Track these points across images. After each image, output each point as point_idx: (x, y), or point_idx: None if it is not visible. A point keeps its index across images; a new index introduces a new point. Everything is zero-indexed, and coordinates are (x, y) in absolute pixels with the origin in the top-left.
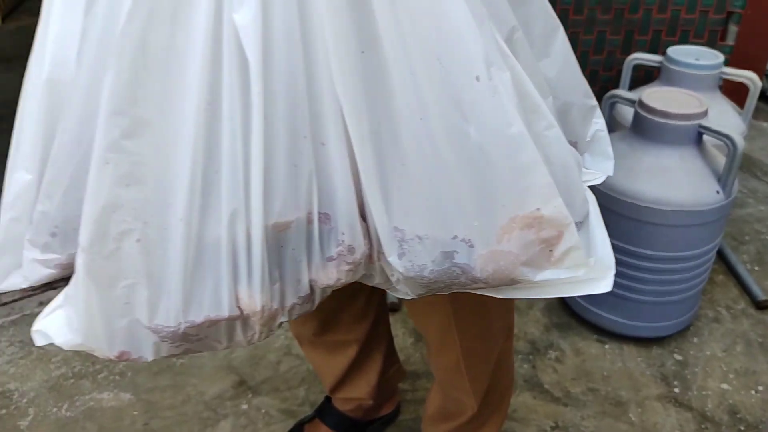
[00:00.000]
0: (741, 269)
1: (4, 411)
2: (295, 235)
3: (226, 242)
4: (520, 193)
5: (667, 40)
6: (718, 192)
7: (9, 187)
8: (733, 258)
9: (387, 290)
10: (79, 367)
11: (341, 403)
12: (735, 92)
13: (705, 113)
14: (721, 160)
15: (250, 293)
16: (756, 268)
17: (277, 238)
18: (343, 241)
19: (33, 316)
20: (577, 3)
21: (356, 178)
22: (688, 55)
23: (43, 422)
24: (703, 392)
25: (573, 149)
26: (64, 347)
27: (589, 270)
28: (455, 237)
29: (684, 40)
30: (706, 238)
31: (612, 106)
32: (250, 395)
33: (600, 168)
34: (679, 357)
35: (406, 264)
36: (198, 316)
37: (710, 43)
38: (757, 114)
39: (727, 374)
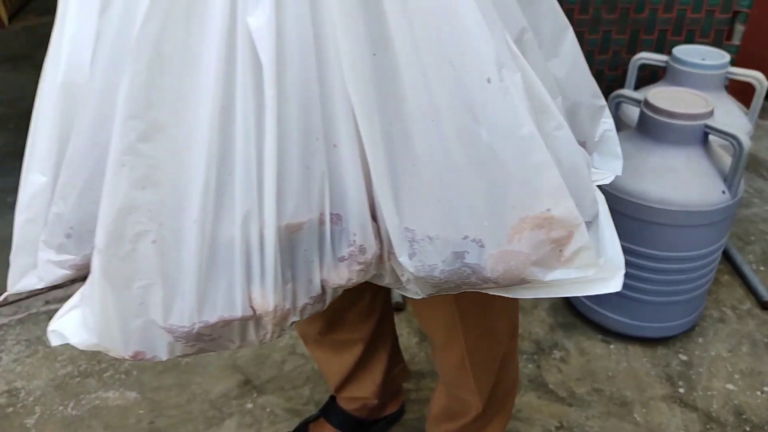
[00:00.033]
0: (746, 269)
1: (10, 409)
2: (308, 235)
3: (240, 243)
4: (530, 194)
5: (673, 39)
6: (723, 192)
7: (24, 189)
8: (739, 258)
9: (396, 290)
10: (85, 365)
11: (346, 403)
12: (741, 92)
13: (711, 113)
14: (727, 160)
15: (263, 293)
16: (762, 268)
17: (289, 239)
18: (354, 241)
19: (39, 315)
20: (583, 2)
21: (367, 179)
22: (694, 54)
23: (50, 420)
24: (709, 393)
25: (582, 149)
26: (80, 347)
27: (599, 270)
28: (466, 237)
29: (690, 40)
30: (712, 238)
31: (617, 105)
32: (255, 394)
33: (609, 168)
34: (684, 357)
35: (416, 264)
36: (212, 317)
37: (716, 43)
38: (764, 114)
39: (732, 375)
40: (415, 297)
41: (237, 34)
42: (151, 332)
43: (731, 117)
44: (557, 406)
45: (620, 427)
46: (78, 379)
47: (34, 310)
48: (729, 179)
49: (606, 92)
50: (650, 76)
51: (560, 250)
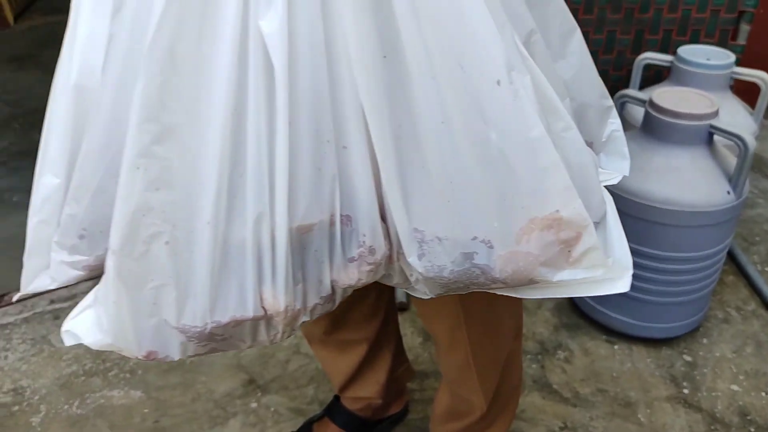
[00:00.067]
0: (751, 270)
1: (16, 408)
2: (318, 236)
3: (252, 244)
4: (539, 195)
5: (678, 39)
6: (728, 192)
7: (37, 191)
8: (744, 258)
9: (405, 290)
10: (90, 364)
11: (350, 402)
12: (746, 92)
13: (716, 113)
14: (732, 160)
15: (274, 294)
16: (766, 269)
17: (300, 240)
18: (364, 242)
19: (44, 314)
20: (587, 2)
21: (377, 180)
22: (699, 54)
23: (55, 419)
24: (713, 393)
25: (590, 150)
26: (94, 347)
27: (607, 270)
28: (475, 238)
29: (695, 40)
30: (717, 238)
31: (622, 105)
32: (259, 393)
33: (616, 168)
34: (688, 358)
35: (425, 264)
36: (224, 317)
37: (721, 43)
38: None
39: (737, 375)
40: (423, 297)
41: (249, 38)
42: (164, 332)
43: (736, 117)
44: (561, 407)
45: (624, 427)
46: (83, 378)
47: (39, 309)
48: (734, 179)
49: (611, 92)
50: (655, 76)
51: (569, 251)
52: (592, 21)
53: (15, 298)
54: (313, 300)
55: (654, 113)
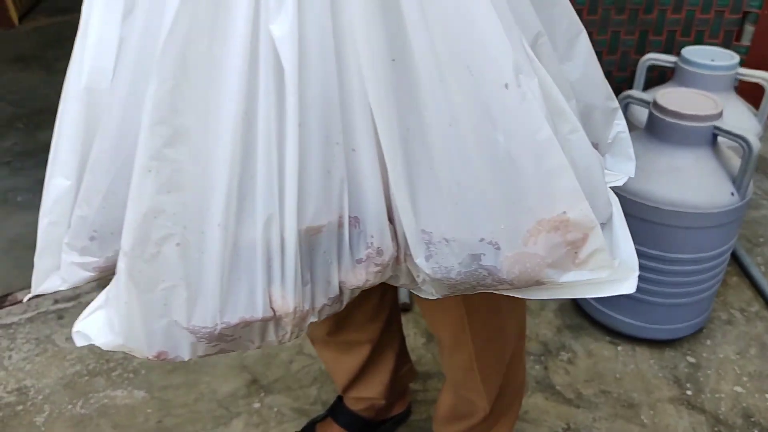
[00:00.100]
0: (755, 271)
1: (20, 407)
2: (327, 238)
3: (261, 246)
4: (547, 197)
5: (682, 40)
6: (732, 194)
7: (48, 193)
8: (747, 260)
9: (411, 290)
10: (94, 364)
11: (353, 403)
12: (751, 93)
13: (720, 114)
14: (736, 161)
15: (284, 295)
16: None
17: (309, 242)
18: (372, 243)
19: (48, 314)
20: (592, 3)
21: (385, 182)
22: (703, 55)
23: (59, 419)
24: (717, 395)
25: (596, 152)
26: (105, 348)
27: (613, 272)
28: (482, 240)
29: (699, 41)
30: (720, 240)
31: (626, 106)
32: (262, 394)
33: (621, 169)
34: (692, 359)
35: (433, 266)
36: (233, 317)
37: (726, 44)
38: None
39: (740, 377)
40: (429, 297)
41: (260, 42)
42: (175, 333)
43: (740, 118)
44: (564, 408)
45: (627, 429)
46: (87, 377)
47: (43, 309)
48: (738, 181)
49: (614, 93)
50: (659, 77)
51: (575, 252)
52: (596, 22)
53: (26, 298)
54: (321, 301)
55: (658, 114)
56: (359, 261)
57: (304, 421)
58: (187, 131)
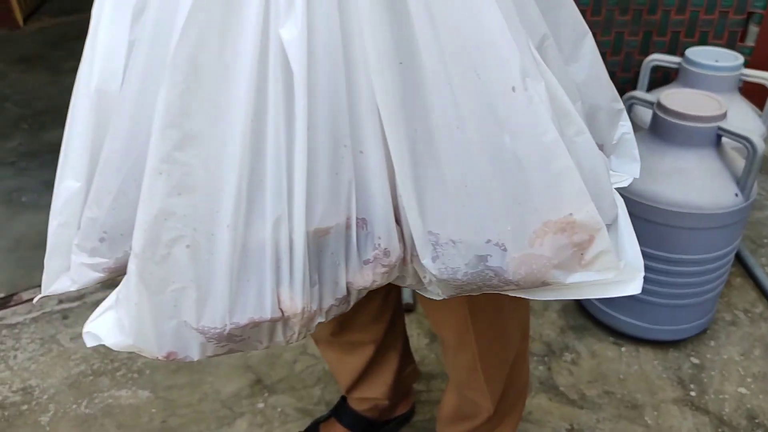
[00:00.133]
0: (759, 272)
1: (25, 407)
2: (335, 239)
3: (270, 247)
4: (553, 199)
5: (686, 41)
6: (736, 195)
7: (58, 195)
8: (752, 261)
9: (417, 290)
10: (98, 364)
11: (357, 403)
12: (755, 94)
13: (724, 115)
14: (740, 162)
15: (292, 296)
16: None
17: (317, 243)
18: (379, 244)
19: (53, 314)
20: (596, 4)
21: (392, 184)
22: (707, 56)
23: (63, 419)
24: (720, 396)
25: (602, 153)
26: (115, 348)
27: (619, 273)
28: (489, 241)
29: (703, 41)
30: (725, 241)
31: (630, 107)
32: (266, 394)
33: (626, 170)
34: (696, 360)
35: (439, 267)
36: (242, 318)
37: (730, 44)
38: None
39: (744, 378)
40: (436, 298)
41: (269, 46)
42: (184, 333)
43: (745, 119)
44: (568, 409)
45: (631, 429)
46: (91, 377)
47: (48, 309)
48: (742, 182)
49: (618, 94)
50: (663, 77)
51: (581, 254)
52: (600, 22)
53: (36, 299)
54: (328, 301)
55: (662, 115)
56: (367, 262)
57: (307, 421)
58: (197, 134)
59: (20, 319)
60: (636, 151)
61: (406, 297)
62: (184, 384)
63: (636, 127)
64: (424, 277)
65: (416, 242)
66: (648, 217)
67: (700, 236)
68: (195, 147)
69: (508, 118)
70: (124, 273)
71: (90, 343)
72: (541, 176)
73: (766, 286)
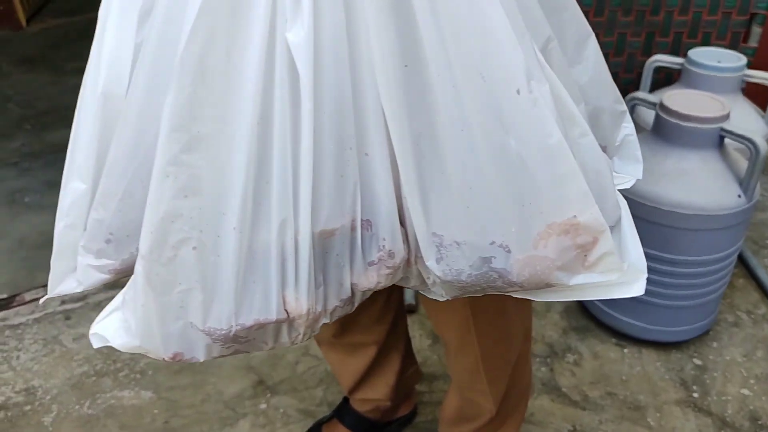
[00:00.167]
0: (762, 273)
1: (28, 407)
2: (340, 241)
3: (276, 249)
4: (557, 201)
5: (689, 42)
6: (739, 196)
7: (64, 196)
8: (754, 262)
9: (421, 291)
10: (101, 365)
11: (359, 404)
12: (758, 95)
13: (727, 116)
14: (743, 163)
15: (297, 297)
16: None
17: (322, 245)
18: (384, 246)
19: (56, 315)
20: (598, 4)
21: (397, 186)
22: (710, 57)
23: (66, 419)
24: (723, 397)
25: (605, 155)
26: (121, 349)
27: (622, 274)
28: (493, 243)
29: (706, 42)
30: (727, 242)
31: (633, 108)
32: (268, 395)
33: (629, 171)
34: (698, 362)
35: (443, 268)
36: (248, 319)
37: (733, 45)
38: None
39: (747, 380)
40: (439, 299)
41: (276, 50)
42: (190, 334)
43: (747, 120)
44: (570, 410)
45: (634, 431)
46: (94, 378)
47: (50, 310)
48: (745, 183)
49: (621, 94)
50: (665, 78)
51: (585, 255)
52: (602, 23)
53: (42, 300)
54: (333, 303)
55: (665, 116)
56: (371, 263)
57: (310, 422)
58: (204, 137)
59: (23, 319)
60: (639, 153)
61: (409, 298)
62: (187, 385)
63: (638, 128)
64: (428, 278)
65: (420, 244)
66: (651, 219)
67: (702, 237)
68: (202, 150)
69: (512, 121)
70: (130, 274)
71: (96, 344)
72: (546, 178)
73: None
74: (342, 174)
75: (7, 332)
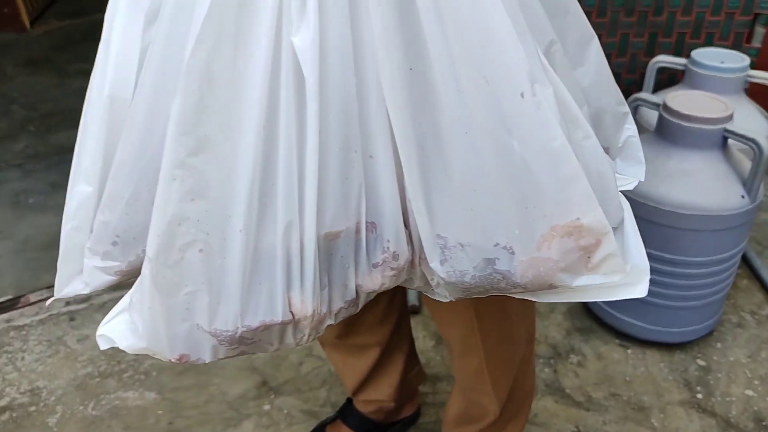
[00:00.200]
0: (765, 274)
1: (33, 408)
2: (344, 243)
3: (281, 251)
4: (561, 204)
5: (692, 42)
6: (743, 196)
7: (71, 199)
8: (758, 262)
9: (425, 293)
10: (105, 366)
11: (363, 405)
12: (761, 95)
13: (730, 117)
14: (746, 164)
15: (302, 299)
16: None
17: (327, 247)
18: (388, 248)
19: (60, 316)
20: (601, 5)
21: (401, 188)
22: (713, 57)
23: (71, 420)
24: (727, 398)
25: (608, 157)
26: (128, 351)
27: (625, 276)
28: (497, 245)
29: (709, 43)
30: (731, 242)
31: (636, 109)
32: (272, 396)
33: (632, 173)
34: (702, 362)
35: (447, 270)
36: (254, 321)
37: (736, 46)
38: None
39: (751, 380)
40: (443, 300)
41: (282, 54)
42: (197, 336)
43: (751, 121)
44: (574, 411)
45: None
46: (98, 379)
47: (55, 311)
48: (748, 183)
49: (624, 95)
50: (668, 79)
51: (588, 257)
52: (605, 24)
53: (48, 302)
54: (338, 304)
55: (668, 117)
56: (375, 265)
57: (313, 423)
58: (210, 140)
59: (27, 320)
60: (641, 154)
61: (412, 299)
62: (191, 385)
63: (642, 129)
64: (432, 279)
65: (425, 245)
66: (654, 219)
67: (706, 238)
68: (208, 153)
69: (516, 124)
70: (137, 276)
71: (103, 345)
72: (549, 181)
73: None
74: (347, 176)
75: (11, 333)
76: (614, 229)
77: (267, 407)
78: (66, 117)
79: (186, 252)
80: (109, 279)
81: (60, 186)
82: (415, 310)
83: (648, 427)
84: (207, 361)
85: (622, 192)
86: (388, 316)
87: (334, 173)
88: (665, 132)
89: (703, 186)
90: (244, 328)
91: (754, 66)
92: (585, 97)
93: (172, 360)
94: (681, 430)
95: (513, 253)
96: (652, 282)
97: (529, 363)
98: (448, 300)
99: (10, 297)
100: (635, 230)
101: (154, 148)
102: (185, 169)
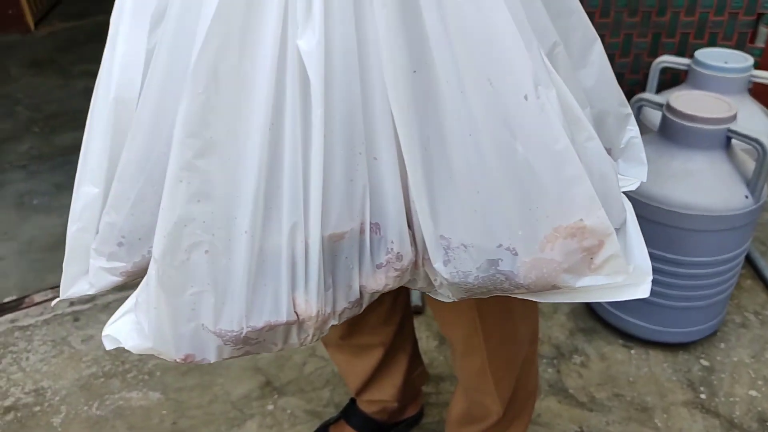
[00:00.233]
0: None
1: (38, 408)
2: (349, 244)
3: (286, 252)
4: (564, 205)
5: (695, 42)
6: (747, 197)
7: (77, 200)
8: (762, 263)
9: (428, 293)
10: (109, 366)
11: (366, 405)
12: (765, 95)
13: (734, 117)
14: (750, 164)
15: (307, 299)
16: None
17: (332, 248)
18: (392, 249)
19: (65, 316)
20: (604, 5)
21: (405, 189)
22: (716, 57)
23: (75, 420)
24: (731, 399)
25: (611, 158)
26: (134, 351)
27: (628, 276)
28: (500, 246)
29: (712, 43)
30: (735, 243)
31: (639, 109)
32: (275, 396)
33: (634, 174)
34: (705, 363)
35: (451, 271)
36: (259, 321)
37: (739, 46)
38: None
39: (755, 381)
40: (446, 300)
41: (287, 57)
42: (202, 336)
43: (755, 121)
44: (577, 411)
45: None
46: (102, 379)
47: (59, 311)
48: (752, 184)
49: (627, 95)
50: (672, 79)
51: (591, 258)
52: (608, 24)
53: (54, 302)
54: (342, 304)
55: (671, 117)
56: (379, 266)
57: (316, 423)
58: (216, 143)
59: (32, 321)
60: (643, 155)
61: (415, 299)
62: (195, 386)
63: (645, 129)
64: (435, 280)
65: (428, 246)
66: (658, 220)
67: (709, 238)
68: (214, 155)
69: (520, 126)
70: (142, 277)
71: (109, 346)
72: (553, 182)
73: None
74: (351, 178)
75: (16, 333)
76: (617, 230)
77: (270, 407)
78: (70, 118)
79: (192, 253)
80: (114, 280)
81: (64, 187)
82: (419, 311)
83: (651, 427)
84: (212, 361)
85: (624, 193)
86: (392, 316)
87: (339, 175)
88: (669, 132)
89: (707, 186)
90: (249, 329)
91: (757, 66)
92: (588, 99)
93: (178, 360)
94: (684, 430)
95: (516, 254)
96: (655, 282)
97: (532, 363)
98: (451, 300)
99: (14, 297)
100: (638, 231)
101: (160, 150)
102: (191, 170)
